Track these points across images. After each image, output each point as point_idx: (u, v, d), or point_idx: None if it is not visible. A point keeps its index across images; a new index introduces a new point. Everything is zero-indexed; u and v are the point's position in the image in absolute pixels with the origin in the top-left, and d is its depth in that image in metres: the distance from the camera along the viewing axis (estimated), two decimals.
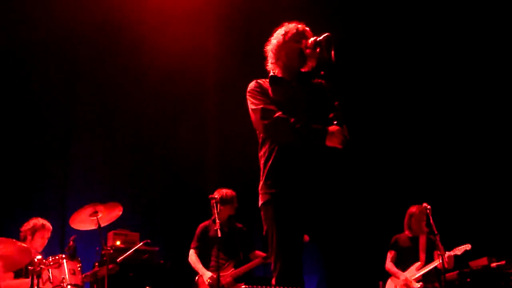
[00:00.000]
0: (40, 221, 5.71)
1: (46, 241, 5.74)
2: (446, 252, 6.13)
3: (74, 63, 7.92)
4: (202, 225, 6.19)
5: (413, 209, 6.57)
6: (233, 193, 6.12)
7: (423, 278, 6.29)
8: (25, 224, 5.67)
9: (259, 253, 6.18)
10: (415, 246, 6.49)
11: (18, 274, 5.36)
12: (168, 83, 8.22)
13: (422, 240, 6.49)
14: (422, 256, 6.42)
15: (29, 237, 5.61)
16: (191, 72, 8.23)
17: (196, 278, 5.98)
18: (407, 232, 6.61)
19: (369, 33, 8.24)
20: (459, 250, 6.21)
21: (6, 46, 7.35)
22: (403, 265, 6.45)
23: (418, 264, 6.37)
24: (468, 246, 6.23)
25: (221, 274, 5.74)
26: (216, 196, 5.51)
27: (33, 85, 7.55)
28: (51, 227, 5.78)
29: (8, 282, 5.27)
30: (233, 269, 5.98)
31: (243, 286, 2.84)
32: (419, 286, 6.26)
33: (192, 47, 8.12)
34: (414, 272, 6.35)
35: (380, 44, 8.26)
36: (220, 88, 8.44)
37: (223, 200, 5.85)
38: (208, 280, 5.78)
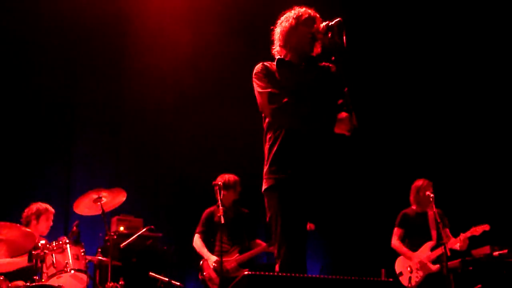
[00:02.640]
0: (42, 204, 5.71)
1: (51, 223, 5.75)
2: (461, 234, 5.94)
3: (77, 56, 7.87)
4: (207, 210, 6.19)
5: (419, 182, 6.31)
6: (236, 178, 6.12)
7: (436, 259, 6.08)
8: (27, 209, 5.66)
9: (260, 242, 6.19)
10: (425, 222, 6.25)
11: None
12: (173, 72, 8.20)
13: (431, 216, 6.20)
14: (434, 233, 6.18)
15: (34, 221, 5.60)
16: (195, 64, 8.20)
17: (201, 262, 5.99)
18: (414, 207, 6.37)
19: (373, 19, 8.19)
20: (476, 231, 5.94)
21: (10, 39, 7.34)
22: (414, 243, 6.22)
23: (430, 242, 6.14)
24: (486, 227, 5.96)
25: (226, 259, 5.77)
26: (219, 182, 5.53)
27: (37, 70, 7.53)
28: (53, 210, 5.78)
29: (2, 260, 5.26)
30: (238, 254, 6.00)
31: (247, 272, 2.84)
32: (437, 267, 6.02)
33: (195, 40, 8.09)
34: (428, 252, 6.09)
35: (383, 32, 8.22)
36: (224, 76, 8.41)
37: (226, 185, 5.86)
38: (213, 264, 5.79)
